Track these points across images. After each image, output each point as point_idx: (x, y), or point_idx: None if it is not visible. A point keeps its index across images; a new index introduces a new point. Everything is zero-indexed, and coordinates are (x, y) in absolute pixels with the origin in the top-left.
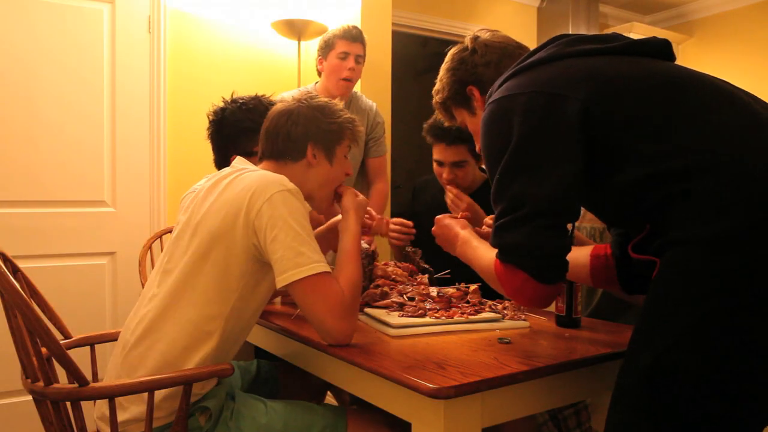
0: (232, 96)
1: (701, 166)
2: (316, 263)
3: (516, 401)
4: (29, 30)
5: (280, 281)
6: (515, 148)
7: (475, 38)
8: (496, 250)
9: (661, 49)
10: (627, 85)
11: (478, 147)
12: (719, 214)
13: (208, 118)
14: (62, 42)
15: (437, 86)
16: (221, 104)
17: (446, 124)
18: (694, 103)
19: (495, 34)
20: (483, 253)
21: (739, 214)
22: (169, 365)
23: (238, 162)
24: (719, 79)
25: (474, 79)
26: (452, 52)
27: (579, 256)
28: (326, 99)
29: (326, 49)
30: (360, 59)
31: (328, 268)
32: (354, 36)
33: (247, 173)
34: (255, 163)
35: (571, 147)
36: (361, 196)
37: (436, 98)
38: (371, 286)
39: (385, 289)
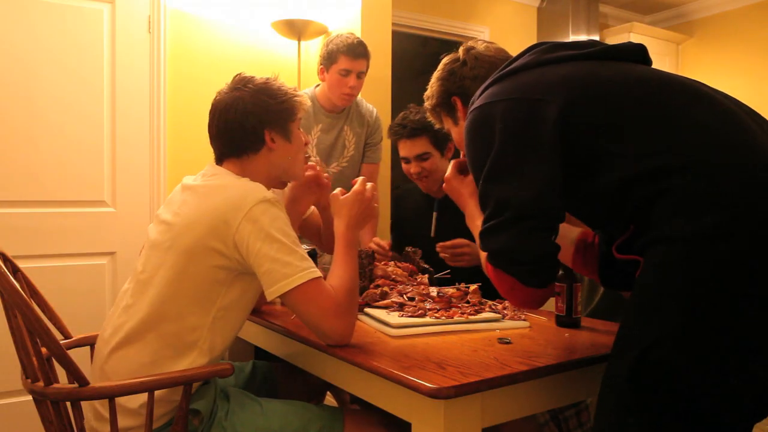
0: None
1: (679, 164)
2: (304, 271)
3: (516, 401)
4: (29, 30)
5: (270, 294)
6: (497, 154)
7: (468, 50)
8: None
9: (637, 54)
10: (604, 88)
11: (462, 154)
12: (699, 212)
13: None
14: (62, 42)
15: (428, 92)
16: None
17: (436, 126)
18: (669, 104)
19: (489, 47)
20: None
21: (719, 211)
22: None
23: (210, 169)
24: (693, 80)
25: (459, 90)
26: (445, 61)
27: (568, 234)
28: (264, 78)
29: (328, 61)
30: (362, 74)
31: (317, 274)
32: (358, 53)
33: (221, 183)
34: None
35: (553, 151)
36: (356, 190)
37: (426, 104)
38: (371, 286)
39: (385, 289)
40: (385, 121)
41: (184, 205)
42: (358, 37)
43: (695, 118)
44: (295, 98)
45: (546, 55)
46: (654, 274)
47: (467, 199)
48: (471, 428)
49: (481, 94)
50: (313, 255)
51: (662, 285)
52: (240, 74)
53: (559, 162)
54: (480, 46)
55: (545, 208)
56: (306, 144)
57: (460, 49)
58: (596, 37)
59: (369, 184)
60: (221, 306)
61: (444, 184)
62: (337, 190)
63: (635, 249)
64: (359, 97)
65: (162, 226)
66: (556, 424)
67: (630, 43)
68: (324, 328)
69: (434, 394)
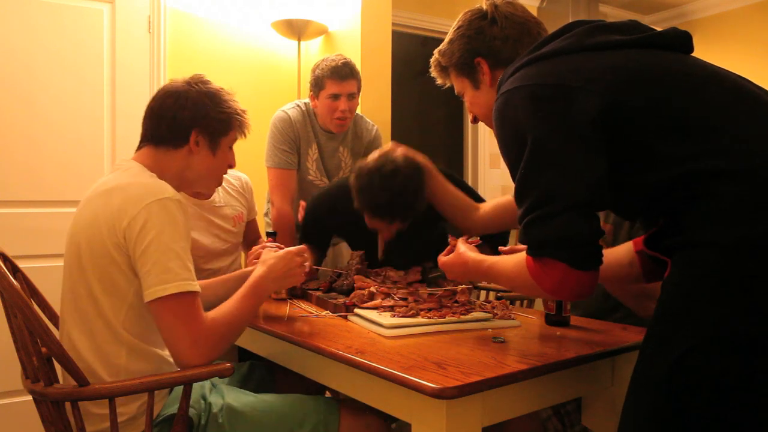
0: None
1: (728, 169)
2: (184, 281)
3: (514, 400)
4: (29, 30)
5: (148, 295)
6: (536, 143)
7: (495, 6)
8: (516, 257)
9: (682, 41)
10: (651, 83)
11: (471, 117)
12: (745, 220)
13: None
14: (62, 42)
15: (445, 47)
16: None
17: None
18: (719, 102)
19: (514, 5)
20: (505, 263)
21: (764, 220)
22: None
23: (122, 163)
24: (741, 77)
25: (487, 51)
26: (468, 18)
27: (619, 255)
28: (219, 86)
29: (316, 87)
30: (353, 95)
31: (195, 288)
32: (343, 75)
33: (126, 181)
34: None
35: (593, 139)
36: (289, 250)
37: (440, 59)
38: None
39: (372, 289)
40: (386, 122)
41: (89, 203)
42: (344, 59)
43: (745, 121)
44: (238, 118)
45: (588, 39)
46: (691, 276)
47: (468, 256)
48: (472, 428)
49: (511, 75)
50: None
51: (699, 289)
52: (200, 75)
53: (602, 151)
54: (504, 4)
55: (590, 197)
56: (231, 167)
57: (485, 5)
58: None
59: (305, 255)
60: (133, 298)
61: (446, 274)
62: (273, 245)
63: (662, 247)
64: (359, 113)
65: (70, 227)
66: (559, 419)
67: (675, 29)
68: (178, 347)
69: (438, 394)
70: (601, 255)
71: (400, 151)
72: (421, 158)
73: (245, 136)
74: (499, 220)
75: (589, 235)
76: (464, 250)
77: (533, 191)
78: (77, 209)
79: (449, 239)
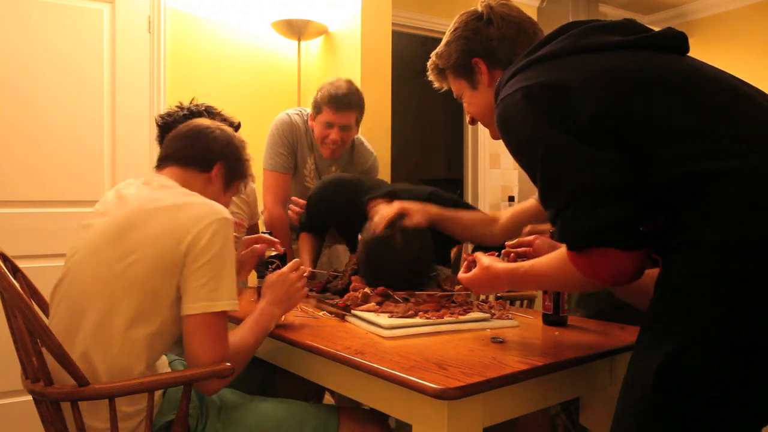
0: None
1: (727, 168)
2: (231, 300)
3: (515, 400)
4: (29, 30)
5: (194, 308)
6: (544, 144)
7: (490, 7)
8: (552, 258)
9: (678, 42)
10: (647, 83)
11: (469, 119)
12: (742, 220)
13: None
14: (62, 42)
15: (442, 50)
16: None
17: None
18: (718, 103)
19: (509, 6)
20: (544, 265)
21: (761, 220)
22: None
23: (161, 179)
24: (735, 77)
25: (484, 52)
26: (464, 19)
27: None
28: (242, 139)
29: (315, 110)
30: (348, 127)
31: (236, 307)
32: (341, 106)
33: (187, 201)
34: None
35: (594, 138)
36: (281, 272)
37: (438, 62)
38: (350, 288)
39: (367, 290)
40: (386, 122)
41: (148, 222)
42: (348, 87)
43: (743, 120)
44: (250, 168)
45: (582, 40)
46: (685, 276)
47: (497, 267)
48: (473, 428)
49: (509, 79)
50: (282, 258)
51: (699, 289)
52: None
53: (609, 146)
54: (499, 5)
55: (612, 186)
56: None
57: (480, 6)
58: None
59: (300, 268)
60: (164, 320)
61: (471, 287)
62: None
63: (658, 246)
64: (360, 137)
65: (113, 233)
66: (567, 415)
67: (671, 30)
68: (203, 362)
69: (440, 395)
70: (641, 234)
71: (404, 218)
72: (419, 210)
73: (245, 188)
74: (519, 227)
75: (624, 218)
76: (490, 262)
77: (555, 192)
78: (112, 218)
79: (465, 255)
